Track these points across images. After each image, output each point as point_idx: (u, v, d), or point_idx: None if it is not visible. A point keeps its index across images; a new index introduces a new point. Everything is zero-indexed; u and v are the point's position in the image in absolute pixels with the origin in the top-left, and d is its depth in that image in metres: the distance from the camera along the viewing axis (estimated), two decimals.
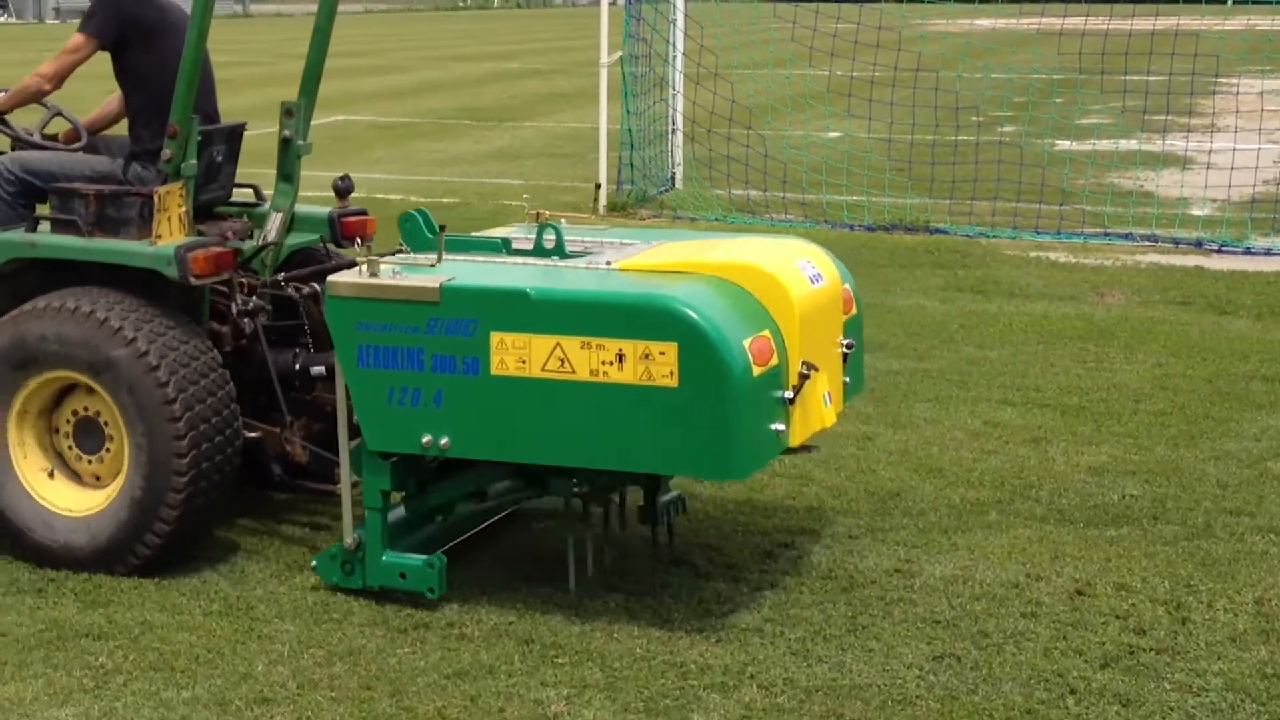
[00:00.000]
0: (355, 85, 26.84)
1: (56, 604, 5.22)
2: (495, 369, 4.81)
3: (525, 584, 5.40)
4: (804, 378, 4.95)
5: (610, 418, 4.74)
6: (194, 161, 5.58)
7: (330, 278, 5.08)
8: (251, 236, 5.99)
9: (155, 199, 5.40)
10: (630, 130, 13.79)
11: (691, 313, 4.66)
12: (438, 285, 4.85)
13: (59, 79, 5.85)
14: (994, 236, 12.35)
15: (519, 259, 5.27)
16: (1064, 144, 16.59)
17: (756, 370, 4.74)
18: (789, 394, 4.91)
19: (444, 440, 4.91)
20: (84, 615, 5.14)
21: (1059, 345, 8.90)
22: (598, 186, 6.06)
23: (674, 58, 14.33)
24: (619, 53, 13.84)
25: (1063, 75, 18.46)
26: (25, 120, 6.25)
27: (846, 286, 5.50)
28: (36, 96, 5.94)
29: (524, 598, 5.29)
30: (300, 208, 6.08)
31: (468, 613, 5.18)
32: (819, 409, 5.12)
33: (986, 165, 13.62)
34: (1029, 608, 5.26)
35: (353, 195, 6.16)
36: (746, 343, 4.74)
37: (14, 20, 52.66)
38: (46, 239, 5.55)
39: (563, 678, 4.74)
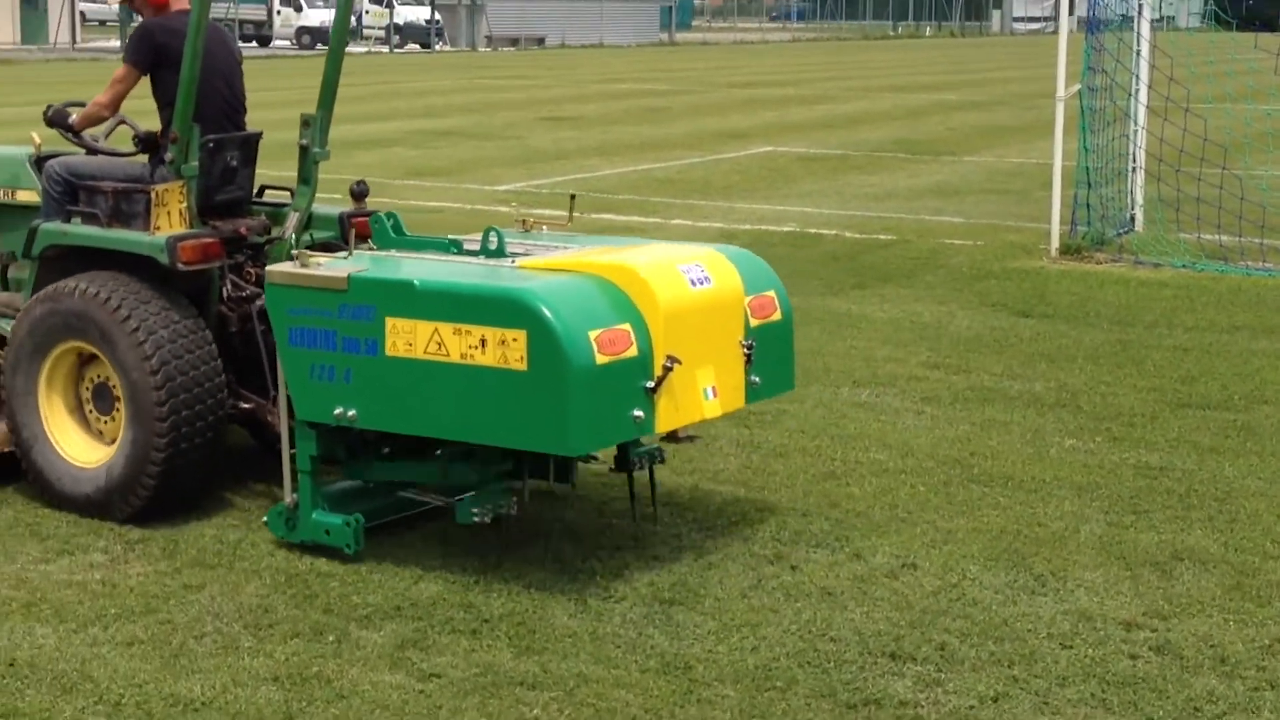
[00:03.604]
0: (784, 116, 26.53)
1: (490, 647, 5.00)
2: (389, 350, 5.40)
3: (992, 664, 4.88)
4: (667, 370, 5.34)
5: (475, 396, 5.28)
6: (194, 164, 6.26)
7: (269, 267, 5.77)
8: (269, 232, 6.61)
9: (154, 195, 6.12)
10: (1087, 168, 12.96)
11: (540, 304, 5.16)
12: (346, 275, 5.47)
13: (114, 105, 6.63)
14: None
15: (440, 255, 5.83)
16: None
17: (602, 359, 5.19)
18: (650, 384, 5.29)
19: (351, 413, 5.50)
20: (518, 662, 4.89)
21: None
22: (573, 197, 6.31)
23: (1137, 90, 13.42)
24: (1077, 85, 13.03)
25: None
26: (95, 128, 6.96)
27: (770, 294, 5.91)
28: (98, 119, 6.75)
29: (985, 678, 4.78)
30: (318, 208, 6.68)
31: (923, 692, 4.70)
32: (695, 401, 5.52)
33: None
34: None
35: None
36: (594, 334, 5.19)
37: (449, 48, 55.20)
38: (73, 229, 6.35)
39: None
